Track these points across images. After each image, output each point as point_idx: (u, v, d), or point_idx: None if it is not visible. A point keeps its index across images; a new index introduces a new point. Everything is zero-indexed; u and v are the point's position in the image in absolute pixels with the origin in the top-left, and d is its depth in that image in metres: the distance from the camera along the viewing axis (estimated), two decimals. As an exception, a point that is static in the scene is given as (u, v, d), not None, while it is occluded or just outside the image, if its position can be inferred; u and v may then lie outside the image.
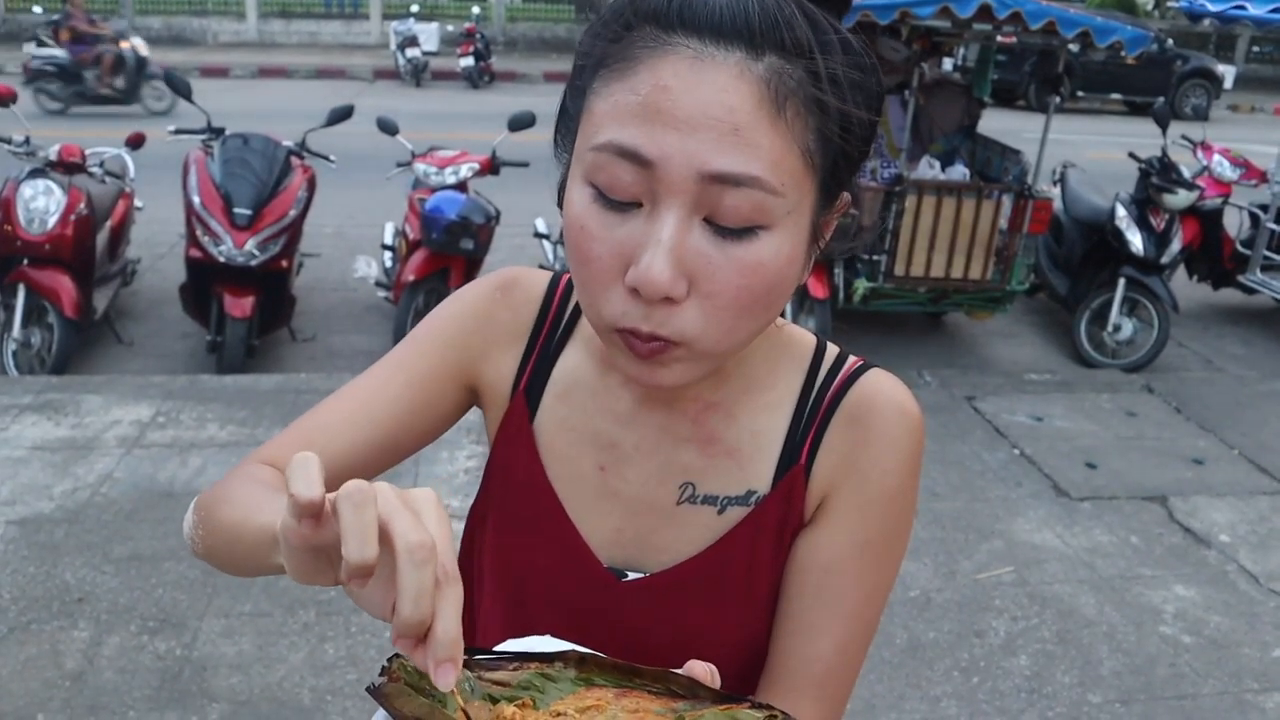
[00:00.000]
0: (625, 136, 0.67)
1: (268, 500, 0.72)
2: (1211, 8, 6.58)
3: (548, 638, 0.69)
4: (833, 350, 0.89)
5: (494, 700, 0.64)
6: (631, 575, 0.87)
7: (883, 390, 0.85)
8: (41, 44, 13.65)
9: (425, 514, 0.55)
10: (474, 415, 0.97)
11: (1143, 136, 9.06)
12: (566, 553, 0.88)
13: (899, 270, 5.18)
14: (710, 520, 0.86)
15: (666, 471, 0.87)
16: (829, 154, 0.71)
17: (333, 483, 0.85)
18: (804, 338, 0.90)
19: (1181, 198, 5.47)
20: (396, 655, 0.65)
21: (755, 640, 0.87)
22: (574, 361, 0.90)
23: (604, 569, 0.87)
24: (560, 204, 0.76)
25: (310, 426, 0.87)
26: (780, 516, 0.85)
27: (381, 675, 0.65)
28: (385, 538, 0.54)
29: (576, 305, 0.91)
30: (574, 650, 0.66)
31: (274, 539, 0.63)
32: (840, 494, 0.85)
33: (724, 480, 0.86)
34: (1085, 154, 10.11)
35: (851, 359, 0.88)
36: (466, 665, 0.65)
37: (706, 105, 0.66)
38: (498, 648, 0.67)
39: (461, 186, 4.94)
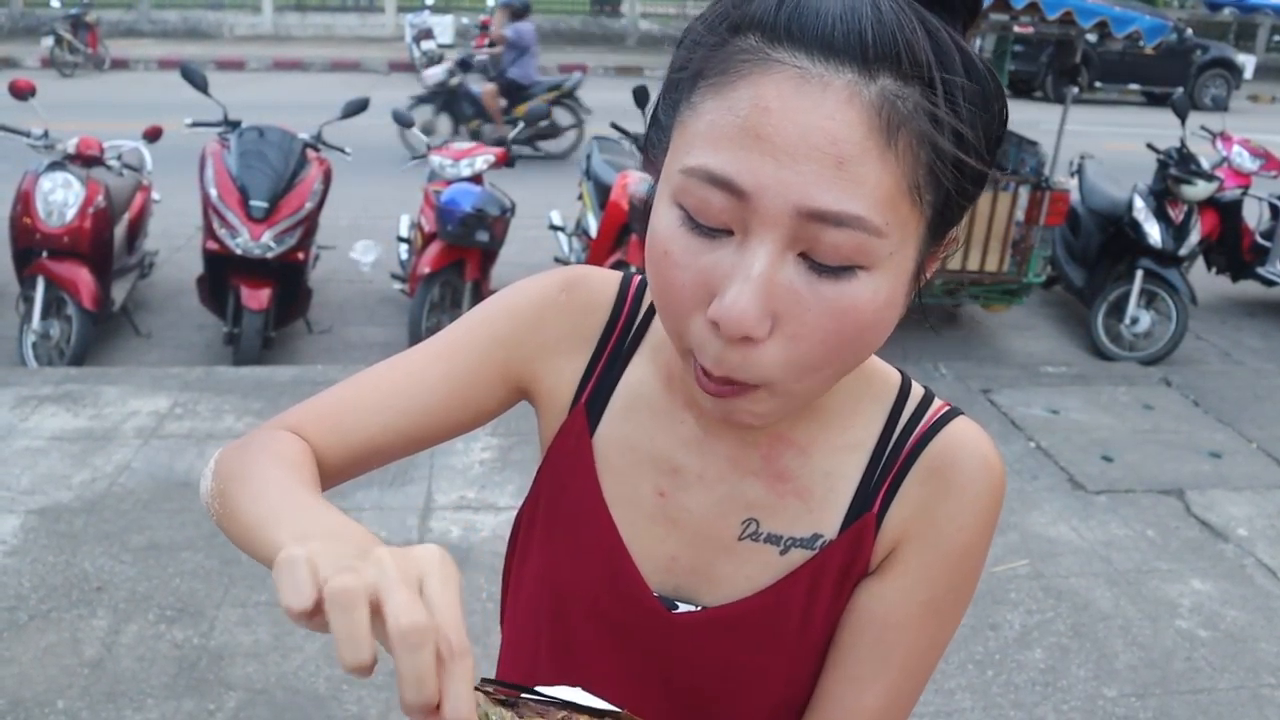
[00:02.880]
0: (718, 163, 0.62)
1: (282, 504, 0.69)
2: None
3: (579, 690, 0.64)
4: (918, 391, 0.84)
5: None
6: (683, 607, 0.83)
7: (967, 443, 0.81)
8: (59, 40, 13.74)
9: (427, 580, 0.52)
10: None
11: (1161, 127, 8.97)
12: (615, 576, 0.84)
13: (914, 262, 5.15)
14: (771, 560, 0.82)
15: (730, 504, 0.82)
16: (940, 192, 0.64)
17: (357, 460, 0.83)
18: (888, 375, 0.85)
19: (1200, 189, 5.43)
20: None
21: (802, 684, 0.83)
22: (640, 376, 0.85)
23: (653, 597, 0.84)
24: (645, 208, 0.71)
25: (340, 405, 0.84)
26: (844, 563, 0.81)
27: None
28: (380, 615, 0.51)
29: (647, 312, 0.86)
30: (623, 711, 0.63)
31: None
32: (911, 547, 0.80)
33: (790, 520, 0.82)
34: (1103, 145, 10.04)
35: (937, 403, 0.84)
36: (513, 705, 0.62)
37: (809, 133, 0.59)
38: (542, 690, 0.63)
39: (477, 179, 4.95)
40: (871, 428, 0.82)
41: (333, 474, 0.82)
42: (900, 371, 0.86)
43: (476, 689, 0.61)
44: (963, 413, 0.84)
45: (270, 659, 2.73)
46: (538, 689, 0.63)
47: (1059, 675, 2.85)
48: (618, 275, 0.89)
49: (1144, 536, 3.58)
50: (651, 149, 0.72)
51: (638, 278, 0.88)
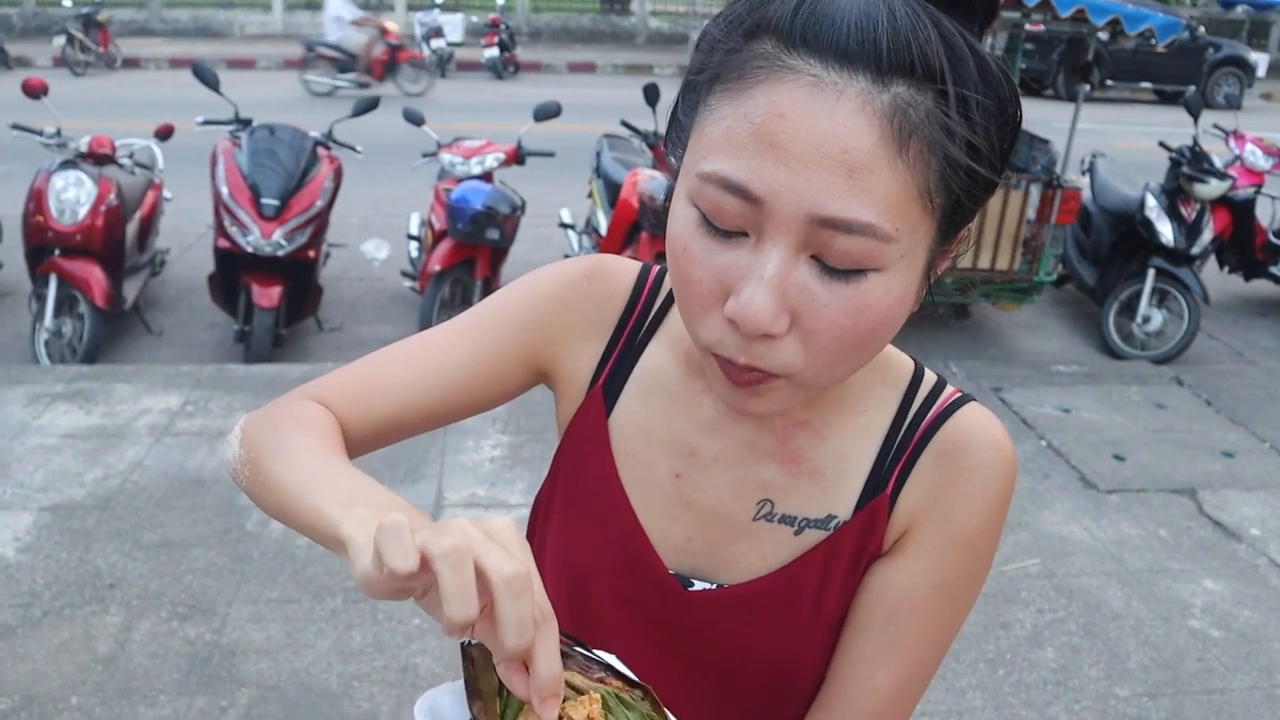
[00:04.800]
0: (733, 170, 0.63)
1: (322, 471, 0.72)
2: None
3: (614, 657, 0.67)
4: (930, 377, 0.86)
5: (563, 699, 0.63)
6: (699, 584, 0.85)
7: (979, 427, 0.82)
8: (71, 39, 13.80)
9: (512, 548, 0.56)
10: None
11: (1173, 126, 8.95)
12: (632, 555, 0.86)
13: (925, 261, 5.14)
14: (785, 540, 0.83)
15: (745, 486, 0.84)
16: (950, 197, 0.65)
17: (380, 433, 0.86)
18: (902, 361, 0.86)
19: (1213, 187, 5.41)
20: None
21: (815, 664, 0.85)
22: (658, 360, 0.87)
23: (669, 575, 0.85)
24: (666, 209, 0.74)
25: (365, 378, 0.87)
26: (857, 545, 0.82)
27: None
28: (479, 572, 0.54)
29: (665, 300, 0.89)
30: (650, 689, 0.64)
31: (336, 540, 0.64)
32: (923, 529, 0.82)
33: (804, 501, 0.83)
34: (1114, 143, 10.00)
35: (949, 389, 0.85)
36: (564, 655, 0.64)
37: (822, 141, 0.61)
38: (592, 650, 0.66)
39: (487, 177, 4.95)
40: (885, 412, 0.84)
41: (356, 445, 0.85)
42: (913, 359, 0.87)
43: None
44: (974, 399, 0.85)
45: (282, 656, 2.74)
46: (588, 647, 0.65)
47: (1070, 675, 2.85)
48: (637, 264, 0.91)
49: (1156, 536, 3.57)
50: (670, 146, 0.73)
51: (657, 267, 0.90)
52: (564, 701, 0.62)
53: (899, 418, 0.83)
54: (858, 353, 0.69)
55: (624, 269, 0.90)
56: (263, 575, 3.06)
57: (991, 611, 3.09)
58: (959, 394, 0.85)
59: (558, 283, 0.89)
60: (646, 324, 0.88)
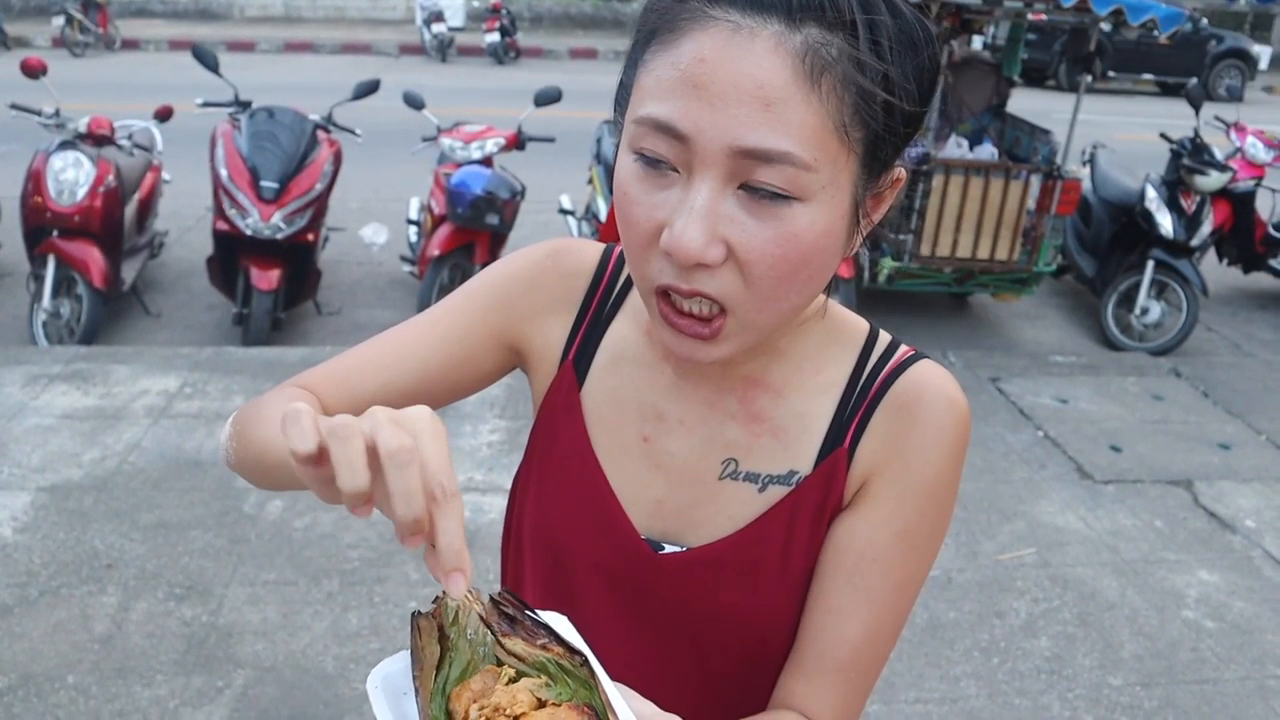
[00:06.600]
0: (662, 111, 0.69)
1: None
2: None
3: (564, 620, 0.69)
4: (885, 338, 0.89)
5: (498, 663, 0.66)
6: (669, 548, 0.88)
7: (932, 380, 0.85)
8: (70, 20, 13.75)
9: (418, 431, 0.58)
10: (499, 390, 0.97)
11: (1175, 118, 8.94)
12: (605, 522, 0.89)
13: (925, 250, 5.15)
14: (750, 497, 0.86)
15: (710, 446, 0.87)
16: (867, 130, 0.70)
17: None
18: (857, 323, 0.90)
19: (1213, 179, 5.40)
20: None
21: (785, 619, 0.87)
22: (623, 332, 0.91)
23: (641, 540, 0.88)
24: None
25: (347, 365, 0.91)
26: (820, 498, 0.85)
27: (434, 603, 0.68)
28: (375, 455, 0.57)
29: (628, 278, 0.92)
30: (589, 656, 0.65)
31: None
32: (881, 480, 0.85)
33: (767, 459, 0.87)
34: (1116, 135, 9.99)
35: (903, 348, 0.88)
36: (513, 620, 0.66)
37: (739, 79, 0.66)
38: (539, 614, 0.68)
39: (487, 162, 4.94)
40: (842, 369, 0.88)
41: None
42: (869, 321, 0.91)
43: (493, 597, 0.68)
44: (928, 356, 0.88)
45: (278, 637, 2.75)
46: (534, 611, 0.68)
47: (1064, 664, 2.86)
48: (601, 245, 0.95)
49: (1151, 527, 3.58)
50: (619, 107, 0.78)
51: (619, 247, 0.93)
52: (504, 683, 0.64)
53: (855, 375, 0.87)
54: (791, 284, 0.73)
55: (588, 249, 0.95)
56: (259, 557, 3.07)
57: (987, 600, 3.10)
58: (913, 352, 0.88)
59: (525, 265, 0.94)
60: (611, 300, 0.92)
